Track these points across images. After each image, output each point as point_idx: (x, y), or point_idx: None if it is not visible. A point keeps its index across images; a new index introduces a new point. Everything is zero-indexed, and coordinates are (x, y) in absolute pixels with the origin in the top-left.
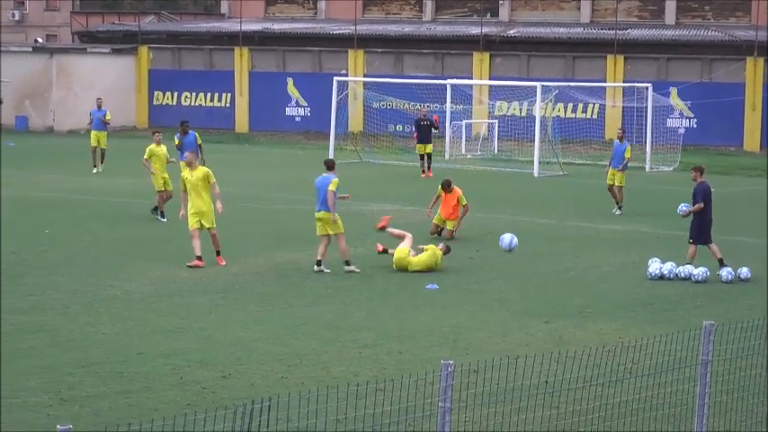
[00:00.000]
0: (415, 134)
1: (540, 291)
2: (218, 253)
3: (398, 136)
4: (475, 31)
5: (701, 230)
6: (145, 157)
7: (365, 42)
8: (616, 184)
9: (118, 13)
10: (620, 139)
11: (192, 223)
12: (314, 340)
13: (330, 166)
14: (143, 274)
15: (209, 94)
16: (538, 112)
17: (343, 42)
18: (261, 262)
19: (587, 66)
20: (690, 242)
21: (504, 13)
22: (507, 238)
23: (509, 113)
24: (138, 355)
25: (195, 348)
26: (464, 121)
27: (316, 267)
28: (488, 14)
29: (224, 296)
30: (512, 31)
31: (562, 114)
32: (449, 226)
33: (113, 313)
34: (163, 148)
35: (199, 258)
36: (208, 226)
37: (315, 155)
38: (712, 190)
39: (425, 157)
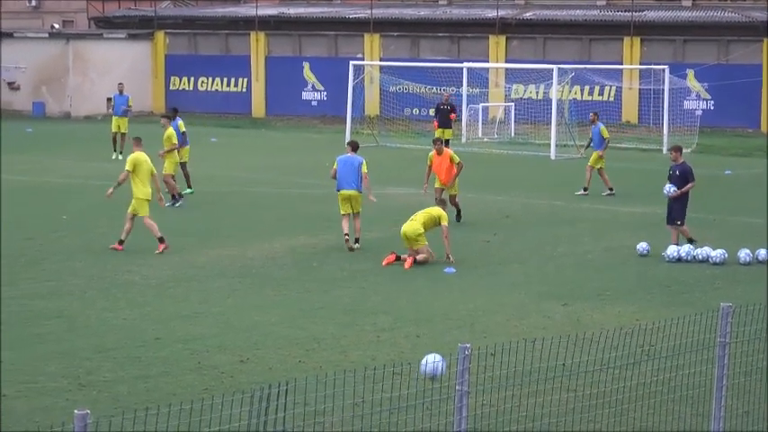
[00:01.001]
0: (435, 121)
1: (557, 273)
2: (160, 240)
3: (415, 120)
4: (491, 14)
5: (684, 210)
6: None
7: (381, 26)
8: (597, 165)
9: None
10: (593, 122)
11: (130, 208)
12: (331, 324)
13: (355, 147)
14: (160, 259)
15: (225, 79)
16: (554, 94)
17: (359, 26)
18: (277, 246)
19: (604, 48)
20: (678, 224)
21: None
22: (431, 365)
23: (525, 96)
24: (156, 340)
25: (213, 333)
26: (480, 105)
27: (349, 245)
28: None
29: (241, 281)
30: (528, 14)
31: (579, 97)
32: (450, 191)
33: (131, 298)
34: (167, 131)
35: (120, 243)
36: (139, 214)
37: (331, 139)
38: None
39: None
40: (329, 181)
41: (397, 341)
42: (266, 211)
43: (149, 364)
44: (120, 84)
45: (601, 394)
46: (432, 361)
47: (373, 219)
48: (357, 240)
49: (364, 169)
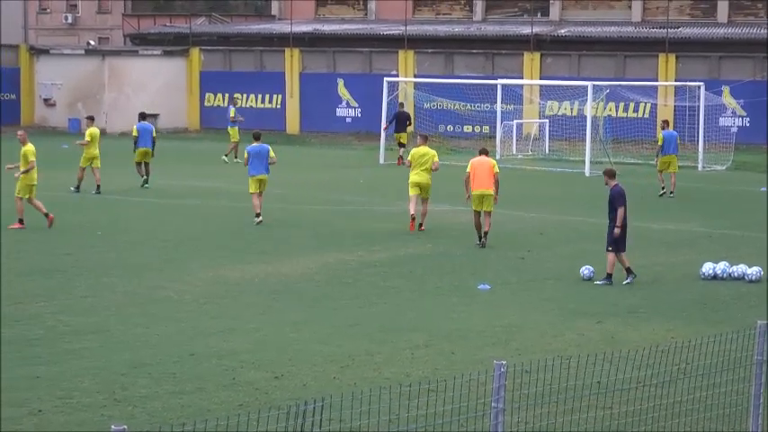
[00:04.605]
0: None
1: (591, 291)
2: (46, 216)
3: (449, 136)
4: (525, 30)
5: (624, 237)
6: (87, 138)
7: (415, 43)
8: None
9: (169, 15)
10: (665, 128)
11: (25, 193)
12: (365, 341)
13: (258, 137)
14: (194, 274)
15: (259, 96)
16: (589, 111)
17: (393, 43)
18: (311, 263)
19: (638, 65)
20: (609, 250)
21: (554, 12)
22: None
23: (560, 113)
24: (191, 355)
25: (247, 349)
26: (515, 121)
27: (257, 219)
28: (539, 14)
29: (275, 297)
30: (562, 31)
31: (613, 114)
32: (486, 206)
33: (166, 314)
34: (96, 131)
35: (20, 222)
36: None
37: (366, 155)
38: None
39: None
40: (363, 197)
41: (431, 358)
42: (300, 227)
43: (184, 379)
44: (235, 97)
45: (636, 412)
46: None
47: (408, 236)
48: (259, 214)
49: (272, 154)
